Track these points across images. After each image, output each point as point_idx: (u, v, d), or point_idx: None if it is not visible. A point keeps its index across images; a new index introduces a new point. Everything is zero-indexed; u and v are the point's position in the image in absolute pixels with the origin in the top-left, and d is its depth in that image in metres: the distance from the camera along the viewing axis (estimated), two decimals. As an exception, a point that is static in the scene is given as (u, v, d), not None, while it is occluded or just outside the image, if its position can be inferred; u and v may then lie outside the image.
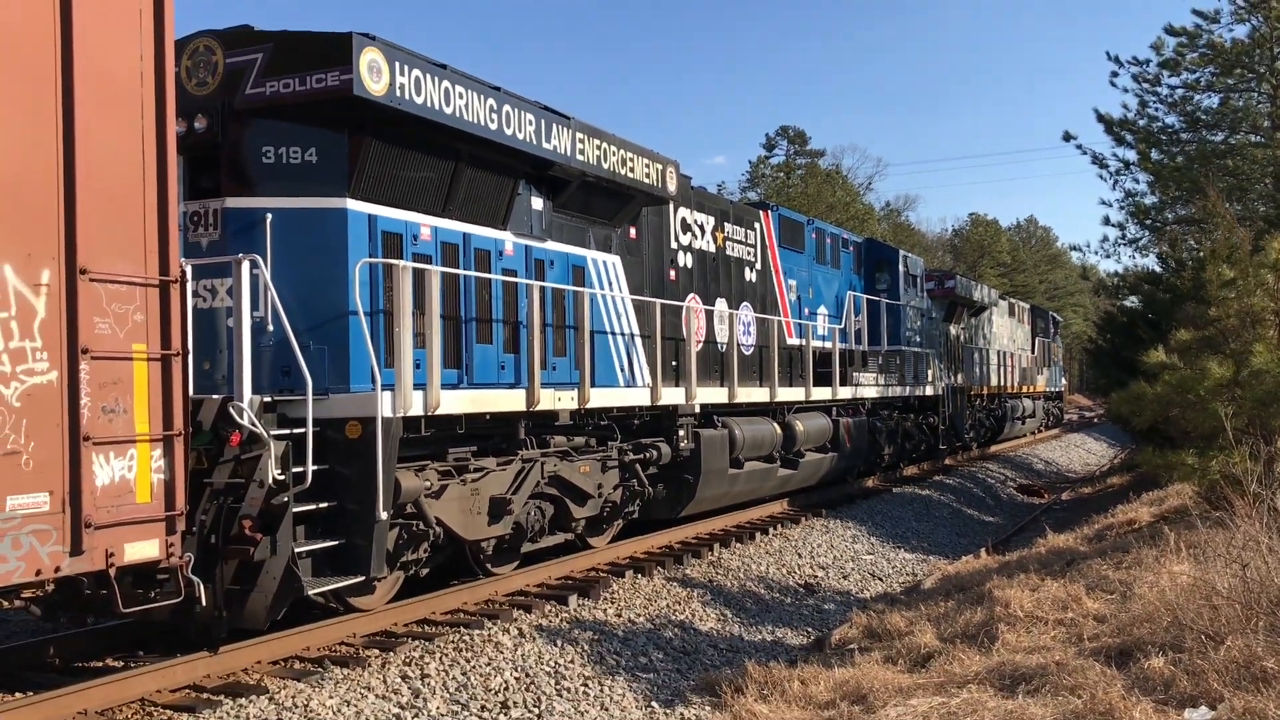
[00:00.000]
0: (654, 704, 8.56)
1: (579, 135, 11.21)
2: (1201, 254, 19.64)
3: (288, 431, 8.10)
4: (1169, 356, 13.02)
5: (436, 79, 9.14)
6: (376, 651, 8.52)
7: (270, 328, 8.46)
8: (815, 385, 17.45)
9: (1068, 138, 28.66)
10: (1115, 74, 27.37)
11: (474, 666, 8.45)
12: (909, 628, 9.38)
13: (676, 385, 13.55)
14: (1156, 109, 27.36)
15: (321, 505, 8.37)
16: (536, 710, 8.03)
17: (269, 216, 8.74)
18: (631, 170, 12.24)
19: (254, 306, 8.30)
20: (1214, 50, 25.59)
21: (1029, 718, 5.74)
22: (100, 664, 8.21)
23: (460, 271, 9.94)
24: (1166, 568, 8.88)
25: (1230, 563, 7.54)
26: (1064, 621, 8.41)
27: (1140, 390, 13.18)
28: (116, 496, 6.42)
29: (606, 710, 8.30)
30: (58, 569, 6.13)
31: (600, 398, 11.74)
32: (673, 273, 14.14)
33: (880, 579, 14.62)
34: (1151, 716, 5.55)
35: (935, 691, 6.62)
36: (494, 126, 9.83)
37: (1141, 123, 27.32)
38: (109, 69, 6.51)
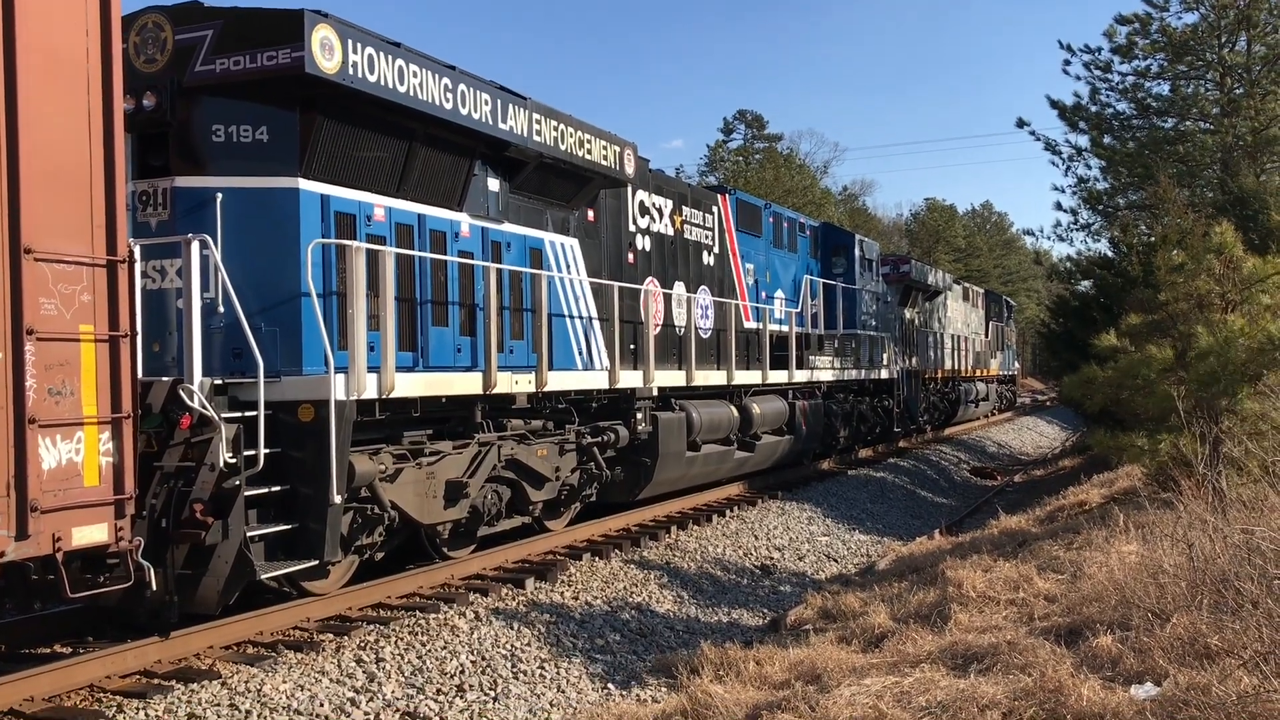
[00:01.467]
0: (610, 685, 8.58)
1: (536, 116, 11.13)
2: (1153, 239, 19.93)
3: (239, 414, 8.00)
4: (1120, 340, 13.21)
5: (390, 57, 9.03)
6: (331, 636, 8.47)
7: (221, 309, 8.34)
8: (772, 368, 17.53)
9: (1021, 124, 29.08)
10: (1068, 62, 27.70)
11: (430, 650, 8.42)
12: (863, 608, 9.47)
13: (634, 368, 13.55)
14: (1108, 96, 27.74)
15: (274, 489, 8.29)
16: (493, 693, 8.02)
17: (219, 196, 8.61)
18: (589, 152, 12.18)
19: (204, 288, 8.18)
20: (1165, 37, 25.94)
21: (980, 696, 5.81)
22: (48, 650, 8.07)
23: (415, 253, 9.85)
24: (1115, 548, 9.02)
25: (1177, 542, 7.67)
26: (1015, 601, 8.52)
27: (1092, 373, 13.37)
28: (64, 480, 6.31)
29: (563, 692, 8.31)
30: (2, 554, 6.02)
31: (558, 381, 11.70)
32: (631, 256, 14.11)
33: (835, 560, 14.74)
34: (1099, 693, 5.63)
35: (889, 671, 6.68)
36: (449, 106, 9.74)
37: (1094, 109, 27.67)
38: (53, 44, 6.36)
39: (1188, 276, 12.02)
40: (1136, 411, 13.11)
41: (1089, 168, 29.03)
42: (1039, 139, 28.92)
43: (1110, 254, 27.25)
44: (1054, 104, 27.58)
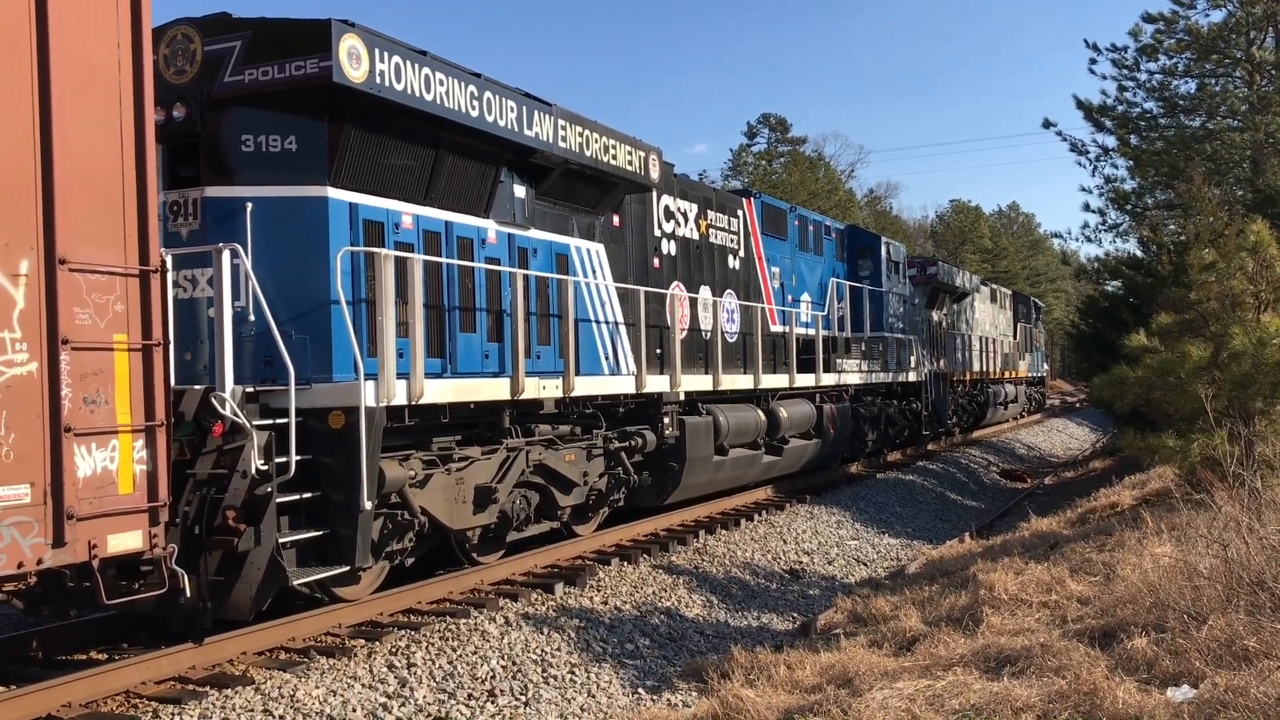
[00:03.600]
0: (640, 690, 8.58)
1: (561, 122, 11.17)
2: (1182, 238, 19.76)
3: (270, 421, 8.06)
4: (1150, 340, 13.09)
5: (417, 65, 9.09)
6: (362, 641, 8.51)
7: (251, 317, 8.40)
8: (799, 372, 17.49)
9: (1047, 125, 28.75)
10: (1094, 61, 27.49)
11: (460, 655, 8.45)
12: (894, 612, 9.42)
13: (661, 373, 13.55)
14: (1135, 95, 27.49)
15: (305, 495, 8.34)
16: (524, 698, 8.03)
17: (249, 205, 8.68)
18: (614, 157, 12.21)
19: (235, 296, 8.25)
20: (1191, 35, 25.71)
21: (1014, 699, 5.77)
22: (84, 657, 8.16)
23: (443, 260, 9.90)
24: (1149, 550, 8.93)
25: (1211, 544, 7.59)
26: (1048, 604, 8.46)
27: (1122, 374, 13.24)
28: (98, 488, 6.38)
29: (593, 697, 8.31)
30: (40, 561, 6.09)
31: (585, 386, 11.72)
32: (656, 260, 14.13)
33: (865, 564, 14.68)
34: (1135, 695, 5.59)
35: (921, 674, 6.65)
36: (475, 113, 9.79)
37: (1120, 109, 27.43)
38: (86, 56, 6.45)
39: (1220, 276, 11.90)
40: (1168, 412, 12.99)
41: (1116, 168, 28.82)
42: (1065, 139, 28.69)
43: (1139, 254, 27.03)
44: (1080, 104, 27.36)
